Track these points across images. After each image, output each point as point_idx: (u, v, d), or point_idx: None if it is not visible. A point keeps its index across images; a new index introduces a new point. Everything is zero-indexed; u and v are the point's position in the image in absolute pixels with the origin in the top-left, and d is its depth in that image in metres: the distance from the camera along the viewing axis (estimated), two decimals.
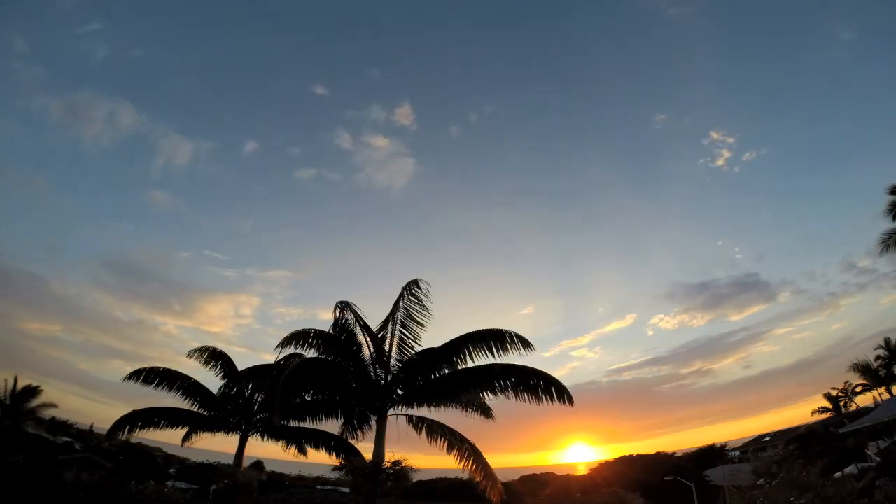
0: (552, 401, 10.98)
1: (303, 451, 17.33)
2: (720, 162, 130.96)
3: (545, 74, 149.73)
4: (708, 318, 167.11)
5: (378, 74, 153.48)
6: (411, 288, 12.37)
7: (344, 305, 12.44)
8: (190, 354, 17.18)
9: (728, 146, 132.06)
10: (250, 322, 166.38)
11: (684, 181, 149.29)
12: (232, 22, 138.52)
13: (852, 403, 44.09)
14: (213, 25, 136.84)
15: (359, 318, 12.45)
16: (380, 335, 12.70)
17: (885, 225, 21.89)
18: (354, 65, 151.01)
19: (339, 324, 12.41)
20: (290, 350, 12.92)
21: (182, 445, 17.33)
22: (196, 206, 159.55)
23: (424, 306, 12.44)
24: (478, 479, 10.51)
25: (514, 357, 11.53)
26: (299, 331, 12.66)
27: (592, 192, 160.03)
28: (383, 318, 12.77)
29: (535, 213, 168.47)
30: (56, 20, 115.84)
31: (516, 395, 11.35)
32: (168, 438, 18.25)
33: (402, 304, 12.38)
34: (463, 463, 10.52)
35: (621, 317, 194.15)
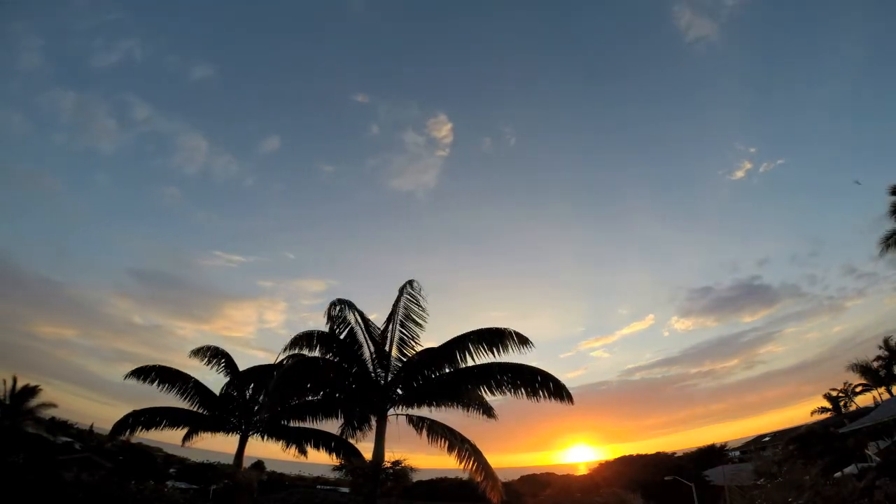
0: (550, 398, 11.03)
1: (303, 452, 17.31)
2: (740, 174, 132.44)
3: (569, 76, 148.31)
4: (716, 322, 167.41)
5: (412, 76, 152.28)
6: (407, 287, 12.40)
7: (342, 303, 12.44)
8: (191, 354, 17.14)
9: (750, 156, 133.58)
10: (275, 327, 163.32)
11: (704, 188, 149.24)
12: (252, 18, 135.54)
13: (852, 403, 44.12)
14: (230, 20, 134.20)
15: (358, 319, 12.49)
16: (381, 335, 12.71)
17: (888, 227, 21.96)
18: (388, 67, 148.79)
19: (334, 320, 12.44)
20: (294, 351, 12.91)
21: (182, 445, 17.32)
22: (217, 208, 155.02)
23: (421, 306, 12.49)
24: (478, 480, 10.53)
25: (514, 355, 11.56)
26: (304, 332, 12.62)
27: (617, 194, 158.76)
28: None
29: (561, 213, 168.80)
30: (70, 15, 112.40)
31: (514, 392, 11.42)
32: (168, 438, 18.21)
33: (400, 303, 12.39)
34: (463, 463, 10.54)
35: (641, 318, 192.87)
